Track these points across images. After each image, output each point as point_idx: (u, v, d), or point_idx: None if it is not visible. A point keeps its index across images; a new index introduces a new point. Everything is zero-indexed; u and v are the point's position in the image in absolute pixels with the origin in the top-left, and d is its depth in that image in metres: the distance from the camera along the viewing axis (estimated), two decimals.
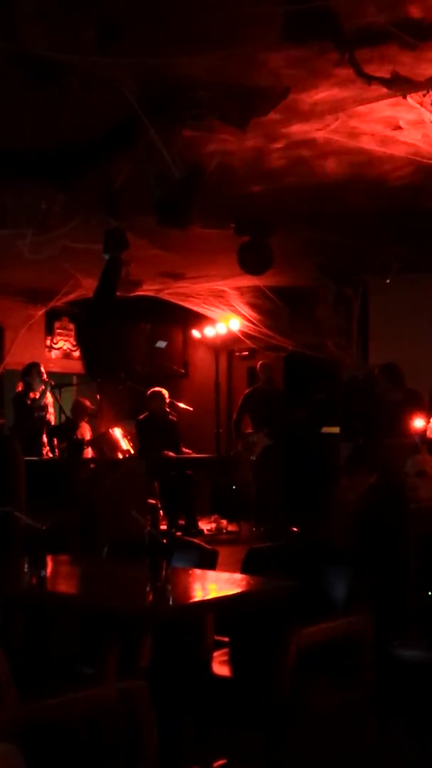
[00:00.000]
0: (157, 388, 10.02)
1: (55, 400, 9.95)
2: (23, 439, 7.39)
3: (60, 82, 4.71)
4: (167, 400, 10.00)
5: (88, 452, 9.75)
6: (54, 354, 11.85)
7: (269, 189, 6.82)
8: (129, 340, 12.13)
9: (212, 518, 10.04)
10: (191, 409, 10.54)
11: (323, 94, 5.00)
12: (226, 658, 4.01)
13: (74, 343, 12.15)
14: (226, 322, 11.17)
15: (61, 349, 11.98)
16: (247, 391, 11.03)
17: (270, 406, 10.46)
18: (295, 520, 8.62)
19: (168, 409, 10.04)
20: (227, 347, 12.36)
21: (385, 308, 9.53)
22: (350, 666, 3.79)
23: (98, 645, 3.53)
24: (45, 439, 9.70)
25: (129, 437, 9.82)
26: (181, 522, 9.34)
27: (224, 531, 9.72)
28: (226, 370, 12.72)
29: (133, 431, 9.97)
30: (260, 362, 10.92)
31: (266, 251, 7.45)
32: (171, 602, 3.39)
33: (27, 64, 4.53)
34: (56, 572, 4.07)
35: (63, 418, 9.94)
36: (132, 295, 9.67)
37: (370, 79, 4.67)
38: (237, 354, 12.57)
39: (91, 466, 9.20)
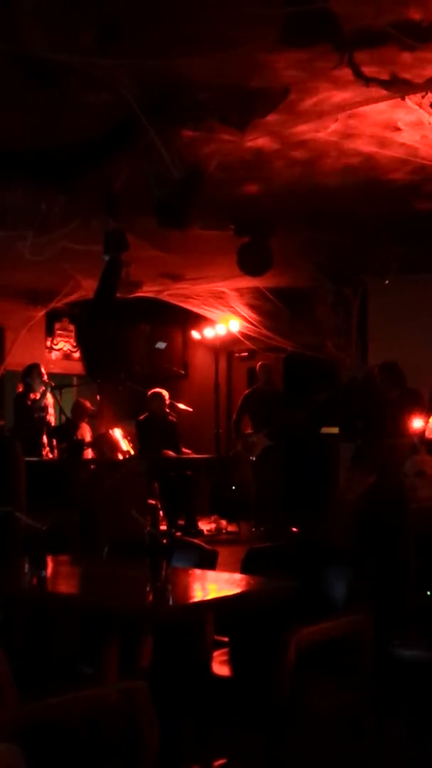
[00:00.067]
0: (157, 389, 10.03)
1: (56, 401, 9.96)
2: (23, 439, 7.38)
3: (60, 83, 4.72)
4: (167, 401, 10.01)
5: (89, 453, 9.76)
6: (54, 355, 11.86)
7: (269, 190, 6.82)
8: (129, 341, 12.14)
9: (212, 518, 10.04)
10: (191, 409, 10.54)
11: (322, 95, 5.00)
12: (226, 658, 4.01)
13: (74, 344, 12.16)
14: (225, 323, 11.18)
15: (61, 350, 11.99)
16: (246, 391, 11.03)
17: (269, 407, 10.47)
18: (295, 520, 8.63)
19: (168, 410, 10.05)
20: (227, 348, 12.37)
21: (385, 309, 9.53)
22: (350, 666, 3.79)
23: (98, 645, 3.54)
24: (45, 439, 9.71)
25: (129, 438, 9.82)
26: (181, 522, 9.35)
27: (224, 531, 9.72)
28: (225, 371, 12.73)
29: (133, 432, 9.98)
30: (260, 363, 10.92)
31: (266, 252, 7.46)
32: (171, 602, 3.40)
33: (27, 65, 4.54)
34: (57, 572, 4.07)
35: (63, 418, 9.95)
36: (132, 296, 9.67)
37: (369, 81, 4.69)
38: (236, 355, 12.58)
39: (92, 466, 9.21)
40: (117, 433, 9.72)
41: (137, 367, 11.92)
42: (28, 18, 4.08)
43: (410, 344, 8.70)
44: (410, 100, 5.03)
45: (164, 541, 3.50)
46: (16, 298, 10.63)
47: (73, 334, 12.15)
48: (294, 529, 8.62)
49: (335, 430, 10.08)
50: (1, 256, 7.83)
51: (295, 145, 5.84)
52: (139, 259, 7.88)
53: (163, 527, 8.83)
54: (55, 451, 9.74)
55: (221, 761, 3.78)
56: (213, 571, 4.14)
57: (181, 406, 10.39)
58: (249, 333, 10.75)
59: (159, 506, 9.01)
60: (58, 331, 11.96)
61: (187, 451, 10.02)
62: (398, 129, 5.51)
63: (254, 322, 10.47)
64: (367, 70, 4.62)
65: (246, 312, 10.42)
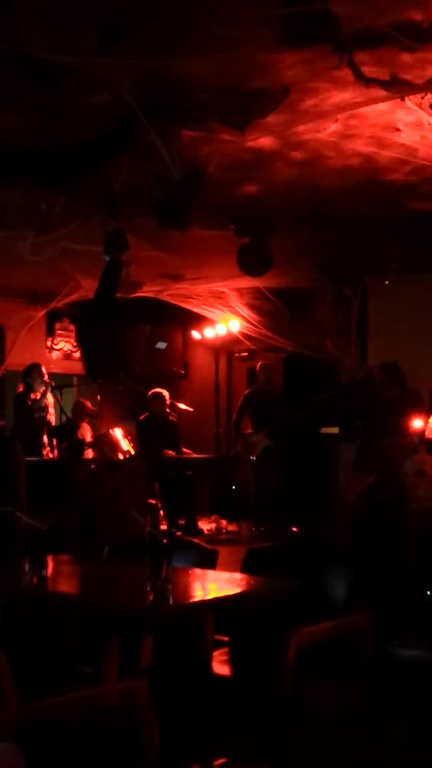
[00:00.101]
0: (157, 389, 10.04)
1: (56, 400, 9.96)
2: (24, 439, 7.37)
3: (60, 83, 4.72)
4: (168, 401, 10.01)
5: (89, 453, 9.76)
6: (54, 355, 11.87)
7: (269, 190, 6.82)
8: (129, 341, 12.14)
9: (212, 518, 10.05)
10: (191, 409, 10.54)
11: (322, 95, 5.01)
12: (226, 658, 4.01)
13: (75, 344, 12.17)
14: (225, 323, 11.18)
15: (61, 350, 12.00)
16: (246, 391, 11.04)
17: (270, 407, 10.47)
18: (295, 520, 8.64)
19: (168, 410, 10.06)
20: (227, 348, 12.37)
21: (385, 309, 9.53)
22: (350, 666, 3.79)
23: (99, 645, 3.54)
24: (45, 439, 9.71)
25: (129, 438, 9.83)
26: (181, 522, 9.35)
27: (224, 531, 9.72)
28: (225, 371, 12.73)
29: (133, 432, 9.98)
30: (260, 363, 10.92)
31: (266, 253, 7.46)
32: (171, 602, 3.40)
33: (27, 65, 4.54)
34: (57, 572, 4.07)
35: (63, 418, 9.95)
36: (132, 296, 9.68)
37: (368, 82, 4.69)
38: (237, 355, 12.58)
39: (92, 466, 9.21)
40: (117, 433, 9.73)
41: (137, 367, 11.93)
42: (28, 18, 4.08)
43: (410, 344, 8.71)
44: (410, 101, 5.04)
45: (164, 540, 3.50)
46: (17, 298, 10.64)
47: (73, 334, 12.15)
48: (294, 529, 8.63)
49: (335, 430, 10.09)
50: (1, 256, 7.83)
51: (295, 146, 5.85)
52: (139, 260, 7.89)
53: (164, 527, 8.83)
54: (56, 451, 9.74)
55: (221, 761, 3.78)
56: (213, 571, 4.14)
57: (182, 406, 10.39)
58: (249, 333, 10.75)
59: (159, 506, 9.01)
60: (59, 331, 11.97)
61: (187, 451, 10.03)
62: (398, 130, 5.52)
63: (254, 322, 10.47)
64: (367, 71, 4.62)
65: (246, 312, 10.42)
